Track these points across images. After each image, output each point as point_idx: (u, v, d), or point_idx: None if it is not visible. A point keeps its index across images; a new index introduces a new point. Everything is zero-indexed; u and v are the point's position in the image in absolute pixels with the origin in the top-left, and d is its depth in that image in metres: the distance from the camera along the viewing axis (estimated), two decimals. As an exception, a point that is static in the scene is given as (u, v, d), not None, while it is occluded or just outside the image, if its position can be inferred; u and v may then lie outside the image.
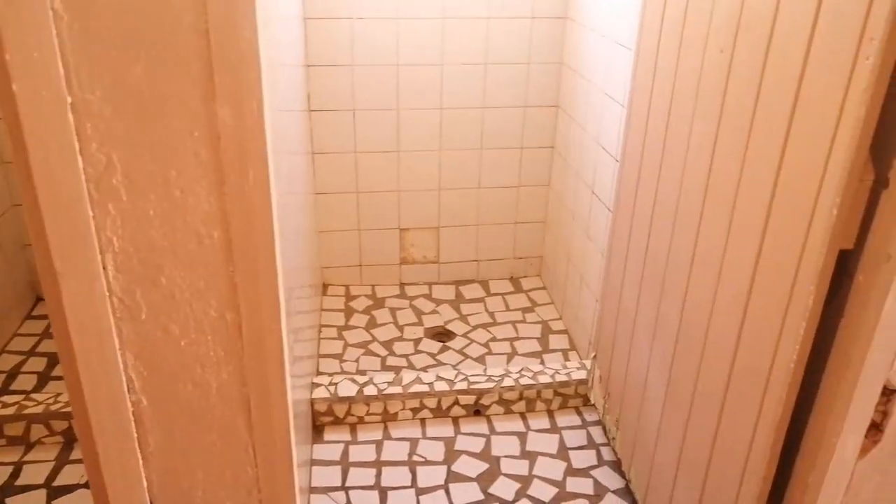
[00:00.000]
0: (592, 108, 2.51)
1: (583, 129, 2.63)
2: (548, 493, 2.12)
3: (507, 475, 2.19)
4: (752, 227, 1.35)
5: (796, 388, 1.26)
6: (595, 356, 2.35)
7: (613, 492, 2.12)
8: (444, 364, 2.72)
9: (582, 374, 2.47)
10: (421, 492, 2.12)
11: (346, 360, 2.72)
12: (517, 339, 2.88)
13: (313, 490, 2.12)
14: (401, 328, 2.93)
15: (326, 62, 2.72)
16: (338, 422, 2.39)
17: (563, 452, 2.28)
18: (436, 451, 2.28)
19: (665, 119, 1.71)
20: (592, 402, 2.41)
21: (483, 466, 2.22)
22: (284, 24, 2.00)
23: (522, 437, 2.35)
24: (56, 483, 2.08)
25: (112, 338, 1.02)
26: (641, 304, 1.92)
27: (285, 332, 1.07)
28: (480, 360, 2.75)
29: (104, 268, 0.96)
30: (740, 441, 1.42)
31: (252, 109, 0.89)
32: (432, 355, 2.77)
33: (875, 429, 1.22)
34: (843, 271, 1.18)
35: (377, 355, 2.76)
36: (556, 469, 2.21)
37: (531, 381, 2.44)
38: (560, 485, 2.15)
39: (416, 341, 2.85)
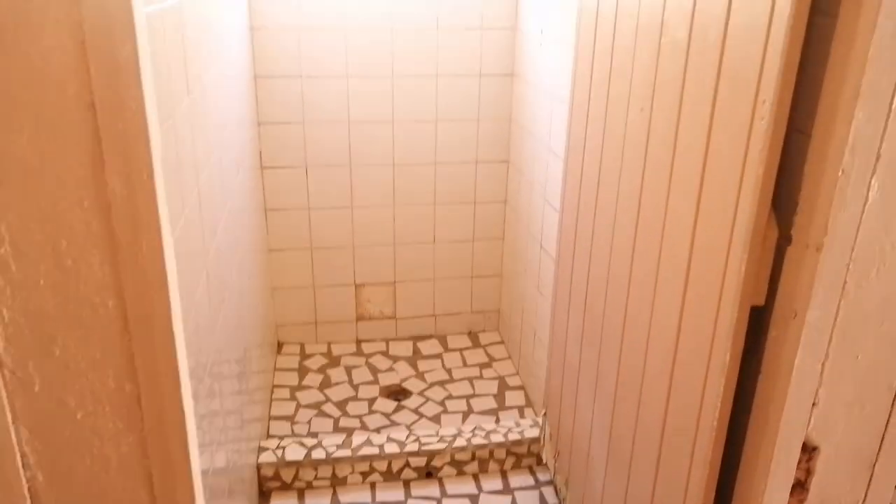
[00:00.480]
0: (538, 163, 2.54)
1: (530, 184, 2.66)
2: (498, 556, 2.06)
3: (456, 538, 2.13)
4: (674, 285, 1.36)
5: (721, 447, 1.25)
6: (545, 413, 2.32)
7: (565, 553, 2.07)
8: (398, 424, 2.67)
9: (535, 432, 2.44)
10: (367, 559, 2.05)
11: (297, 423, 2.66)
12: (473, 396, 2.84)
13: (255, 560, 2.04)
14: (356, 387, 2.88)
15: (277, 120, 2.74)
16: (285, 487, 2.32)
17: (515, 513, 2.23)
18: (385, 515, 2.22)
19: (597, 175, 1.74)
20: (545, 461, 2.37)
21: (433, 530, 2.16)
22: (228, 84, 2.02)
23: (475, 499, 2.30)
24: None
25: (5, 412, 0.98)
26: (584, 360, 1.91)
27: (189, 401, 1.05)
28: (435, 419, 2.70)
29: (-5, 340, 0.94)
30: (675, 502, 1.40)
31: (143, 179, 0.88)
32: (386, 415, 2.72)
33: (800, 487, 1.21)
34: (760, 329, 1.19)
35: (330, 416, 2.70)
36: (507, 531, 2.16)
37: (484, 441, 2.40)
38: (511, 547, 2.10)
39: (371, 401, 2.80)
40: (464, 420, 2.70)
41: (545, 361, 2.53)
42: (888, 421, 1.18)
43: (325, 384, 2.89)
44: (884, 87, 0.95)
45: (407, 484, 2.35)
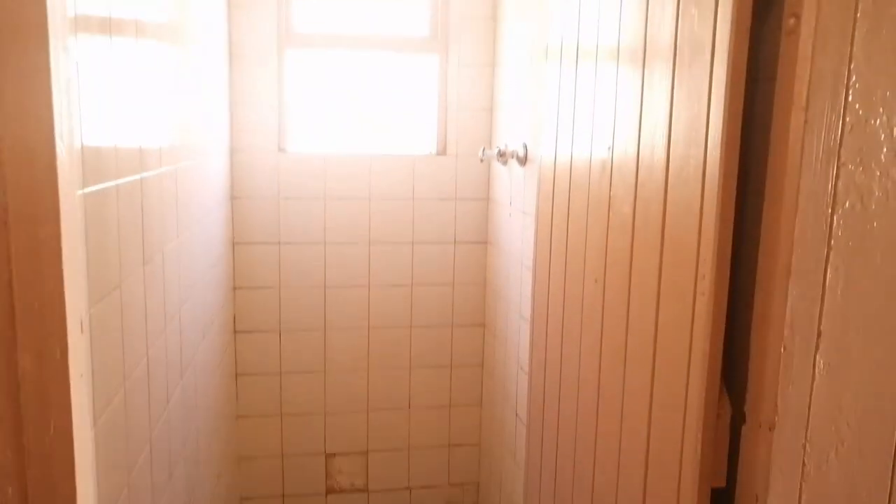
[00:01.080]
0: (511, 328, 2.53)
1: (504, 348, 2.63)
2: None
3: None
4: (635, 464, 1.29)
5: None
6: None
7: None
8: None
9: None
10: None
11: None
12: (448, 577, 2.62)
13: None
14: (321, 567, 2.67)
15: (253, 285, 2.76)
16: None
17: None
18: None
19: (559, 344, 1.72)
20: None
21: None
22: (200, 250, 2.04)
23: None
24: None
25: None
26: (556, 541, 1.77)
27: None
28: None
29: None
30: None
31: (55, 357, 0.85)
32: None
33: None
34: (723, 512, 1.11)
35: None
36: None
37: None
38: None
39: (337, 583, 2.58)
40: None
41: (522, 540, 2.36)
42: None
43: (289, 565, 2.67)
44: (813, 266, 0.95)
45: None
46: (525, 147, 2.32)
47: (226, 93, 2.55)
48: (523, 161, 2.34)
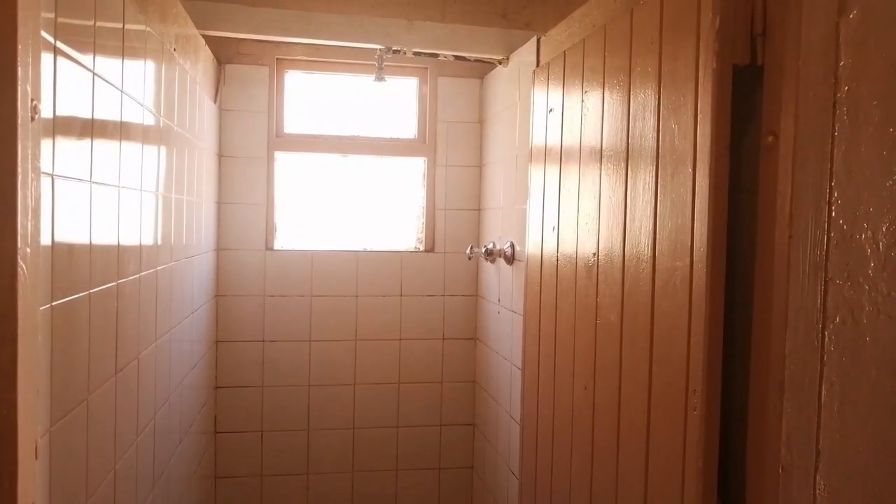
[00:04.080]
0: (501, 428, 2.45)
1: (495, 450, 2.54)
2: None
3: None
4: (631, 586, 1.21)
5: None
6: None
7: None
8: None
9: None
10: None
11: None
12: None
13: None
14: None
15: (236, 383, 2.69)
16: None
17: None
18: None
19: (549, 448, 1.65)
20: None
21: None
22: (181, 350, 1.99)
23: None
24: None
25: None
26: None
27: None
28: None
29: None
30: None
31: (3, 488, 0.80)
32: None
33: None
34: None
35: None
36: None
37: None
38: None
39: None
40: None
41: None
42: None
43: None
44: (807, 382, 0.92)
45: None
46: (512, 246, 2.32)
47: (214, 193, 2.56)
48: (511, 260, 2.34)
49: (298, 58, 2.75)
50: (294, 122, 2.79)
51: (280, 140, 2.74)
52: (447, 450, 2.87)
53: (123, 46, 1.36)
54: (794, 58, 0.93)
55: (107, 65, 1.26)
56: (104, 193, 1.28)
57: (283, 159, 2.77)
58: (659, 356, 1.14)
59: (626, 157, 1.28)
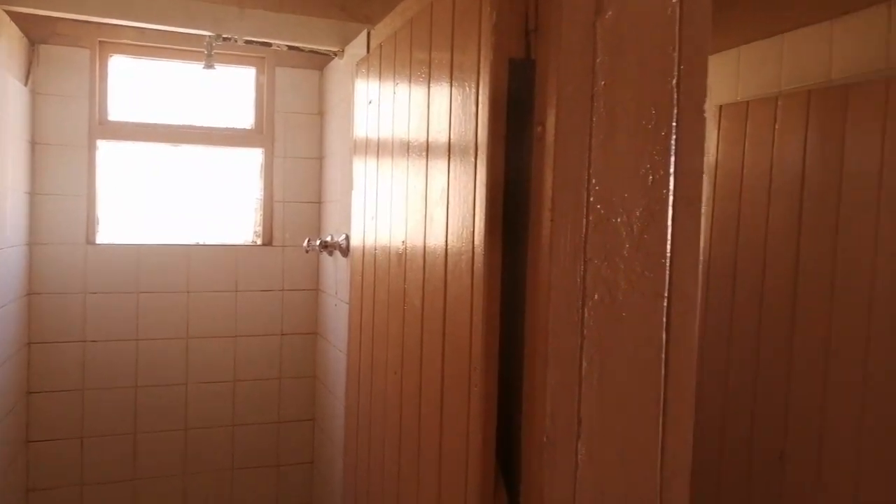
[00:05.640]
0: (338, 422, 2.45)
1: (332, 444, 2.53)
2: None
3: None
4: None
5: None
6: None
7: None
8: None
9: None
10: None
11: None
12: None
13: None
14: None
15: (52, 388, 2.50)
16: None
17: None
18: None
19: (368, 440, 1.67)
20: None
21: None
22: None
23: None
24: None
25: None
26: None
27: None
28: None
29: None
30: None
31: None
32: None
33: None
34: None
35: None
36: None
37: None
38: None
39: None
40: None
41: None
42: None
43: None
44: (568, 355, 0.99)
45: None
46: (347, 238, 2.33)
47: (24, 183, 2.37)
48: (346, 252, 2.34)
49: (124, 41, 2.60)
50: (120, 109, 2.63)
51: (103, 128, 2.58)
52: (286, 447, 2.82)
53: None
54: (557, 53, 1.00)
55: None
56: None
57: (107, 148, 2.61)
58: (450, 337, 1.18)
59: (427, 148, 1.32)
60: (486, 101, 1.07)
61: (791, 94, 2.01)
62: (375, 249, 1.65)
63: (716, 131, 2.24)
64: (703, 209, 2.32)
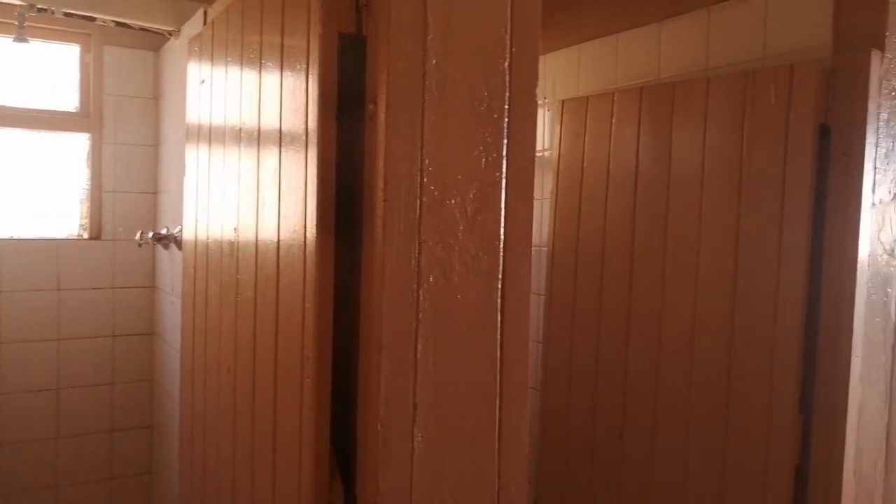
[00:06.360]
0: (176, 427, 2.29)
1: (173, 451, 2.36)
2: None
3: None
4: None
5: None
6: None
7: None
8: None
9: None
10: None
11: None
12: None
13: None
14: None
15: None
16: None
17: None
18: None
19: (202, 444, 1.57)
20: None
21: None
22: None
23: None
24: None
25: None
26: None
27: None
28: None
29: None
30: None
31: None
32: None
33: None
34: None
35: None
36: None
37: None
38: None
39: None
40: None
41: None
42: None
43: None
44: (403, 339, 0.97)
45: None
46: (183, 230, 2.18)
47: None
48: (182, 245, 2.19)
49: (-83, 8, 2.28)
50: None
51: None
52: (120, 457, 2.61)
53: None
54: (387, 28, 0.96)
55: None
56: None
57: None
58: (283, 328, 1.12)
59: (259, 133, 1.25)
60: (316, 80, 1.02)
61: (626, 90, 2.11)
62: (208, 239, 1.55)
63: (558, 125, 2.32)
64: (548, 201, 2.40)
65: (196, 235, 1.64)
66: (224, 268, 1.42)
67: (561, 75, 2.40)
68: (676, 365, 1.95)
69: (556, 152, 2.33)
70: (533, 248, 2.68)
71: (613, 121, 2.13)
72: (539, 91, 2.42)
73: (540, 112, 2.49)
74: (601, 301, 2.19)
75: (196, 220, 1.65)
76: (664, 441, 1.97)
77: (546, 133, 2.45)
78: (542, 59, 2.48)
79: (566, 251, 2.30)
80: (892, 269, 1.66)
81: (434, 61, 0.99)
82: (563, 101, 2.30)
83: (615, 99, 2.11)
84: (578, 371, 2.25)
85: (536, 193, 2.47)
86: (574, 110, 2.26)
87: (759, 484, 1.68)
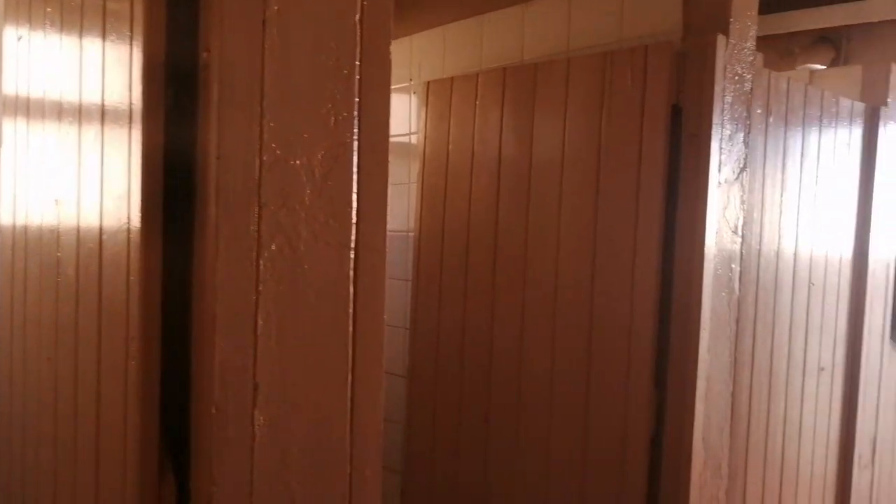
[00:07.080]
0: None
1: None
2: None
3: None
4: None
5: None
6: None
7: None
8: None
9: None
10: None
11: None
12: None
13: None
14: None
15: None
16: None
17: None
18: None
19: (21, 452, 1.39)
20: None
21: None
22: None
23: None
24: None
25: None
26: None
27: None
28: None
29: None
30: None
31: None
32: None
33: None
34: None
35: None
36: None
37: None
38: None
39: None
40: None
41: None
42: None
43: None
44: (241, 314, 0.88)
45: None
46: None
47: None
48: (6, 229, 1.95)
49: None
50: None
51: None
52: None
53: None
54: (220, -32, 0.87)
55: None
56: None
57: None
58: (107, 307, 0.99)
59: (80, 107, 1.11)
60: (141, 27, 0.91)
61: (489, 71, 2.10)
62: (27, 217, 1.37)
63: (424, 108, 2.28)
64: (413, 185, 2.36)
65: (14, 214, 1.45)
66: (44, 247, 1.25)
67: (427, 57, 2.36)
68: (539, 347, 1.96)
69: (422, 135, 2.29)
70: (401, 233, 2.63)
71: (478, 102, 2.11)
72: (405, 72, 2.37)
73: (406, 95, 2.45)
74: (466, 286, 2.17)
75: (14, 196, 1.46)
76: (528, 421, 1.98)
77: (413, 116, 2.41)
78: (407, 40, 2.43)
79: (432, 236, 2.27)
80: (736, 245, 1.75)
81: (276, 7, 0.90)
82: (428, 83, 2.26)
83: (479, 80, 2.10)
84: (445, 357, 2.23)
85: (404, 178, 2.43)
86: (439, 92, 2.23)
87: (618, 455, 1.72)
